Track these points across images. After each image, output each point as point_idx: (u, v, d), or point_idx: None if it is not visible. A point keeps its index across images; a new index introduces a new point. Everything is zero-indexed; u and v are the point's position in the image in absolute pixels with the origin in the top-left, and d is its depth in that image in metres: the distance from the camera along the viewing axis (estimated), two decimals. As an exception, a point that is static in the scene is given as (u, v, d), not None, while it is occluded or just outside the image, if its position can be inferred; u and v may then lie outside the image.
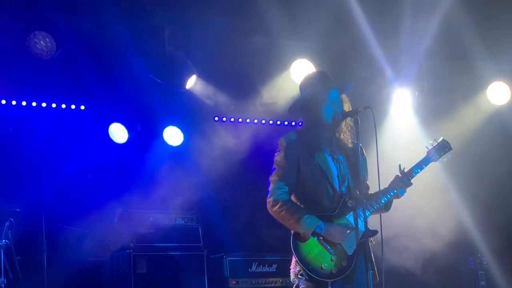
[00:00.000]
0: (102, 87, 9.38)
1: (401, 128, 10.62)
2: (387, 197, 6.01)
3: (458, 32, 9.58)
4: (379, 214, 5.85)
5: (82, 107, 9.71)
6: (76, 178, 9.35)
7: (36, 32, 8.52)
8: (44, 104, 9.44)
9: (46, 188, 8.69)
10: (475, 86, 10.78)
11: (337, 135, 6.06)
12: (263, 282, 9.36)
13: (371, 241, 5.89)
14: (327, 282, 5.71)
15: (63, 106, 9.60)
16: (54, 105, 9.52)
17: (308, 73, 6.34)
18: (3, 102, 9.18)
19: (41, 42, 8.53)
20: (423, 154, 6.30)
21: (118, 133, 9.82)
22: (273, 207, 5.86)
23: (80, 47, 8.84)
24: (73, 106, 9.66)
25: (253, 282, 9.30)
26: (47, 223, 8.50)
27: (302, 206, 5.90)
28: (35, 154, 8.78)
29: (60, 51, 8.66)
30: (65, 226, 9.10)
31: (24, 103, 9.29)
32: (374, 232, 5.84)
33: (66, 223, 9.12)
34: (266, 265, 9.43)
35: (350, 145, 6.07)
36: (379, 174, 5.70)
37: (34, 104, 9.37)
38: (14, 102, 9.22)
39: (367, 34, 9.33)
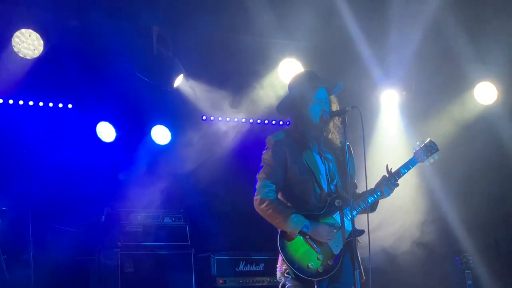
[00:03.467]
0: (89, 86, 9.35)
1: (389, 128, 10.65)
2: (374, 197, 6.04)
3: (446, 32, 9.61)
4: (366, 214, 5.87)
5: (70, 106, 9.69)
6: (63, 177, 9.32)
7: (23, 30, 8.49)
8: (31, 103, 9.41)
9: (33, 187, 8.67)
10: (463, 86, 10.82)
11: (325, 134, 6.07)
12: (251, 281, 9.36)
13: (358, 241, 5.91)
14: (314, 281, 5.73)
15: (51, 104, 9.57)
16: (41, 104, 9.49)
17: (297, 72, 6.35)
18: (-10, 100, 9.18)
19: (28, 40, 8.51)
20: (410, 154, 6.33)
21: (106, 132, 9.81)
22: (260, 205, 5.87)
23: (67, 46, 8.81)
24: (60, 105, 9.63)
25: (241, 281, 9.30)
26: (34, 221, 8.47)
27: (289, 204, 5.91)
28: (22, 152, 8.76)
29: (47, 49, 8.63)
30: (52, 225, 9.08)
31: (11, 101, 9.26)
32: (361, 232, 5.86)
33: (53, 222, 9.09)
34: (254, 264, 9.43)
35: (338, 145, 6.08)
36: (367, 173, 5.72)
37: (21, 102, 9.34)
38: (0, 101, 9.19)
39: (355, 34, 9.34)
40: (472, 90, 10.82)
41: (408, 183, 6.40)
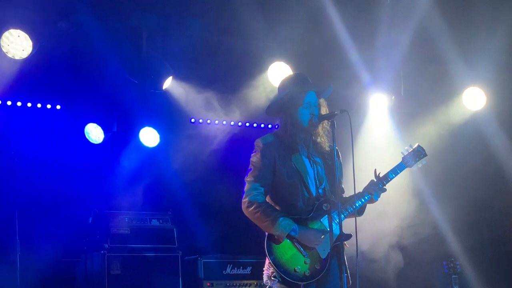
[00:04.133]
0: (78, 87, 9.34)
1: (378, 132, 10.66)
2: (361, 201, 6.04)
3: (434, 37, 9.65)
4: (354, 218, 5.86)
5: (58, 107, 9.66)
6: (51, 178, 9.30)
7: (11, 30, 8.46)
8: (19, 103, 9.38)
9: (20, 188, 8.64)
10: (451, 91, 10.85)
11: (314, 138, 6.07)
12: (238, 284, 9.35)
13: (345, 245, 5.91)
14: (300, 284, 5.72)
15: (39, 105, 9.54)
16: (29, 104, 9.47)
17: (287, 74, 6.35)
18: (-22, 101, 9.15)
19: (17, 40, 8.48)
20: (398, 158, 6.34)
21: (94, 133, 9.79)
22: (248, 208, 5.85)
23: (56, 46, 8.79)
24: (49, 106, 9.60)
25: (228, 284, 9.29)
26: (21, 222, 8.44)
27: (277, 207, 5.90)
28: (10, 153, 8.73)
29: (36, 50, 8.60)
30: (39, 226, 9.05)
31: (-1, 101, 9.24)
32: (348, 236, 5.85)
33: (40, 223, 9.07)
34: (241, 267, 9.43)
35: (327, 149, 6.08)
36: (355, 177, 5.72)
37: (9, 103, 9.31)
38: (-11, 101, 9.17)
39: (344, 38, 9.37)
40: (461, 95, 10.85)
41: (393, 187, 6.40)
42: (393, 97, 10.63)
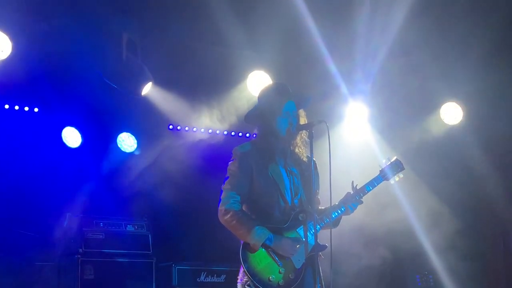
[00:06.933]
0: (56, 90, 9.30)
1: (355, 143, 10.68)
2: (337, 212, 6.05)
3: (411, 50, 9.72)
4: (329, 230, 5.87)
5: (36, 110, 9.61)
6: (26, 181, 9.25)
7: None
8: (-4, 105, 9.36)
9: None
10: (429, 105, 10.91)
11: (291, 148, 6.07)
12: (211, 292, 9.35)
13: (320, 256, 5.91)
14: (274, 294, 5.73)
15: (16, 107, 9.49)
16: (7, 106, 9.42)
17: (267, 83, 6.36)
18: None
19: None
20: (376, 170, 6.36)
21: (71, 137, 9.76)
22: (224, 216, 5.85)
23: (36, 49, 8.74)
24: (26, 108, 9.56)
25: (201, 292, 9.29)
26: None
27: (253, 216, 5.90)
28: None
29: (15, 51, 8.55)
30: (12, 229, 8.99)
31: (-25, 103, 9.19)
32: (323, 247, 5.86)
33: (14, 226, 9.00)
34: (215, 275, 9.41)
35: (304, 159, 6.09)
36: (331, 189, 5.72)
37: (-14, 104, 9.27)
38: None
39: (321, 49, 9.39)
40: (438, 110, 10.92)
41: (369, 199, 6.42)
42: (370, 109, 10.65)
